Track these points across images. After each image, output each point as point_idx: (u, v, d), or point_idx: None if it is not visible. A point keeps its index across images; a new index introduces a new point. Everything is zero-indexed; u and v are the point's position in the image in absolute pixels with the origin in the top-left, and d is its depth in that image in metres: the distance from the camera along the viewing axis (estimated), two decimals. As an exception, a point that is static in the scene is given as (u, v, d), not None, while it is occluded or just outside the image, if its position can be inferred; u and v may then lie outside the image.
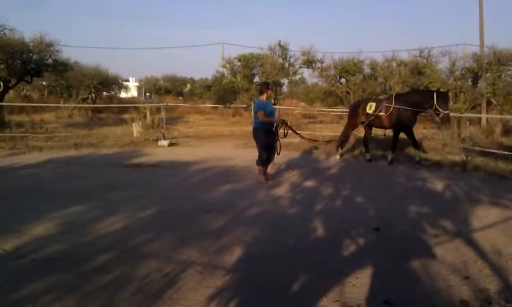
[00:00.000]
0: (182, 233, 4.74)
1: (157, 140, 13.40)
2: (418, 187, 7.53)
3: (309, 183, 7.58)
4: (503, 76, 18.94)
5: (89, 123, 20.61)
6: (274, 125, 7.69)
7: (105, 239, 4.57)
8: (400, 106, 9.34)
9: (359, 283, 3.53)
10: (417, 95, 9.53)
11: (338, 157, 10.62)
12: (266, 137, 7.56)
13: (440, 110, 8.79)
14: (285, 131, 8.10)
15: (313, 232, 4.93)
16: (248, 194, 6.73)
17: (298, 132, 9.60)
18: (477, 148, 10.98)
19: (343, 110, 21.42)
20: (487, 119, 16.04)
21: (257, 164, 7.76)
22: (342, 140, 10.81)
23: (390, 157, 9.88)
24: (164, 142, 13.09)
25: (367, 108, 9.99)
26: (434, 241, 4.62)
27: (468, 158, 9.71)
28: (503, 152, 10.26)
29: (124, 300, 3.22)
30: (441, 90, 9.96)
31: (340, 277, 3.62)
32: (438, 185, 7.61)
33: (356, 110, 10.50)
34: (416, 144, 9.75)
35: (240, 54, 23.75)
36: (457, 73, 20.45)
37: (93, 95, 29.93)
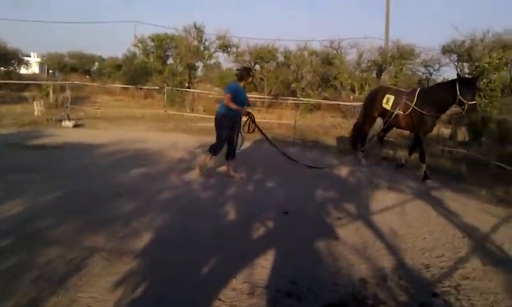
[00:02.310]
0: (89, 218, 4.53)
1: (60, 120, 12.53)
2: (325, 174, 7.91)
3: (222, 169, 7.61)
4: (404, 69, 20.72)
5: (-17, 100, 18.74)
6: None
7: (4, 224, 4.23)
8: (423, 106, 7.76)
9: (268, 265, 3.65)
10: (442, 92, 7.70)
11: (363, 160, 9.03)
12: (231, 126, 6.71)
13: (464, 100, 7.14)
14: (250, 126, 7.03)
15: (224, 216, 4.99)
16: (160, 178, 6.60)
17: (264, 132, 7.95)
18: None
19: (257, 96, 21.77)
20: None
21: (208, 151, 6.96)
22: (358, 139, 9.45)
23: (423, 169, 7.75)
24: (69, 123, 12.27)
25: (384, 101, 8.56)
26: (338, 223, 4.91)
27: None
28: (400, 141, 11.14)
29: (23, 287, 3.03)
30: (465, 76, 8.76)
31: (250, 259, 3.72)
32: (344, 172, 8.07)
33: (372, 100, 9.05)
34: (423, 156, 7.85)
35: (154, 34, 23.14)
36: (364, 65, 21.86)
37: (-12, 71, 27.25)
